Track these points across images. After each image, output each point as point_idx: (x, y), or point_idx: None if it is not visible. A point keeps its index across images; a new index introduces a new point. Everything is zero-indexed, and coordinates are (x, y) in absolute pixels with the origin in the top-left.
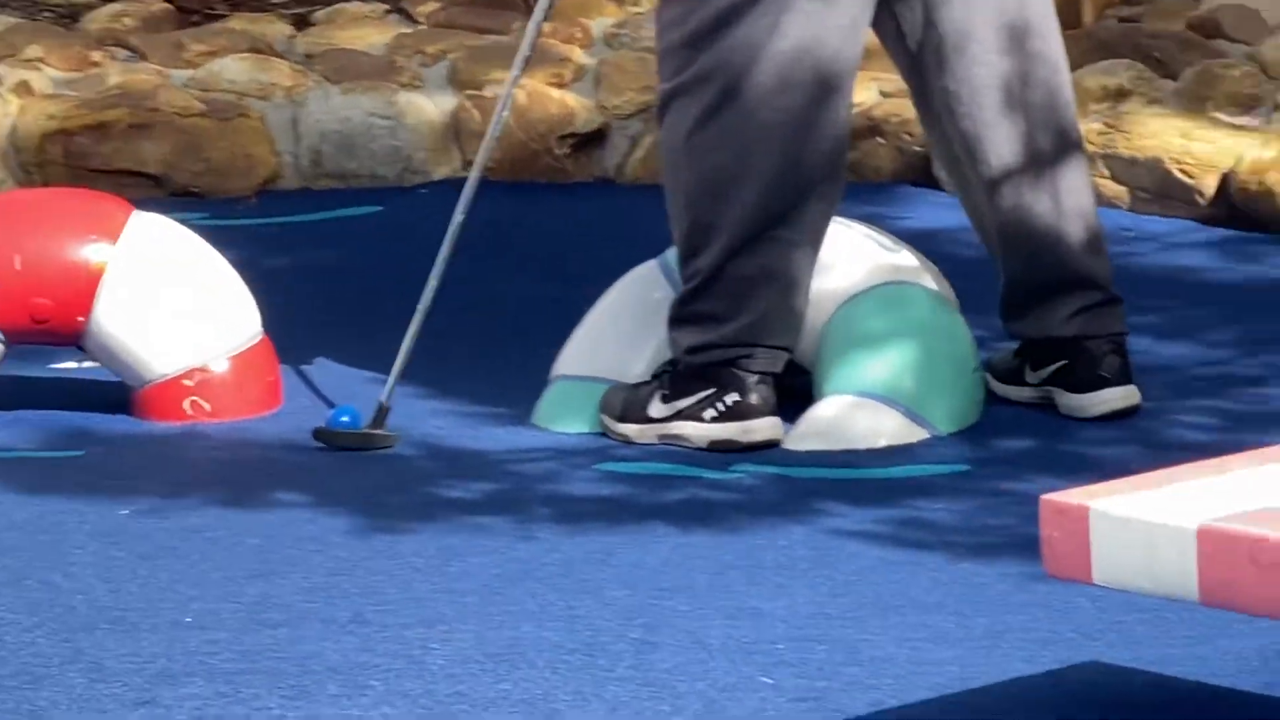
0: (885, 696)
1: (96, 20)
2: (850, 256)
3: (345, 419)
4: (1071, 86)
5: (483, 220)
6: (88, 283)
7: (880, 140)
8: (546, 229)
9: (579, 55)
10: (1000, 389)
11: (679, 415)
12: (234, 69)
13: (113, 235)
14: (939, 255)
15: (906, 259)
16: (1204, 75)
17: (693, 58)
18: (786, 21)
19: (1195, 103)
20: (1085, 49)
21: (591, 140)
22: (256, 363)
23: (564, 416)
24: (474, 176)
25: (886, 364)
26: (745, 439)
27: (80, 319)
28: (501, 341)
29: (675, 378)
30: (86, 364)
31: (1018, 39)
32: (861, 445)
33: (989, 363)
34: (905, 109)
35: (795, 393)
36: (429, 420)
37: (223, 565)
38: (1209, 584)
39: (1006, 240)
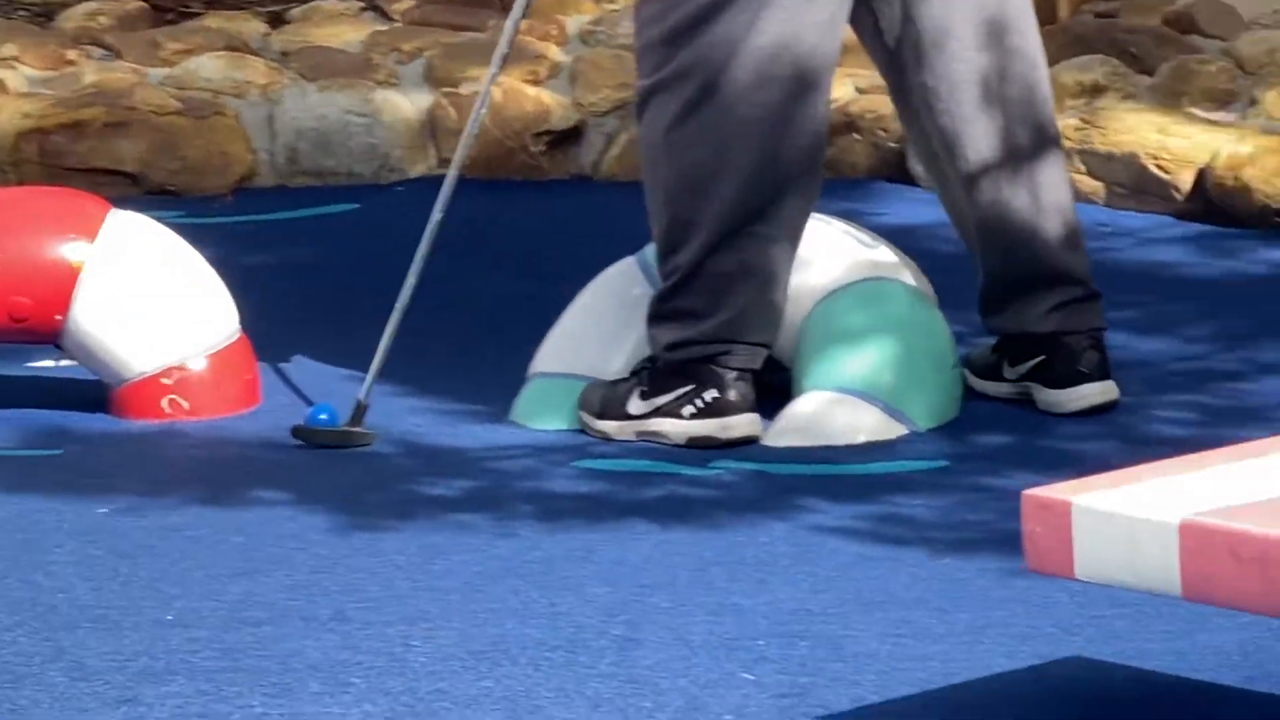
0: (867, 692)
1: (72, 19)
2: (829, 253)
3: (324, 417)
4: (1049, 82)
5: (459, 218)
6: (66, 281)
7: (856, 136)
8: (522, 226)
9: (555, 52)
10: (979, 384)
11: (657, 412)
12: (210, 67)
13: (91, 234)
14: (916, 251)
15: (885, 255)
16: (1180, 71)
17: (672, 54)
18: (765, 18)
19: (1171, 98)
20: (1061, 44)
21: (567, 138)
22: (234, 361)
23: (542, 414)
24: (452, 175)
25: (865, 360)
26: (724, 435)
27: (58, 317)
28: (478, 339)
29: (654, 374)
30: (64, 362)
31: (996, 34)
32: (840, 441)
33: (967, 358)
34: (881, 105)
35: (774, 389)
36: (407, 418)
37: (204, 563)
38: (1191, 578)
39: (985, 236)
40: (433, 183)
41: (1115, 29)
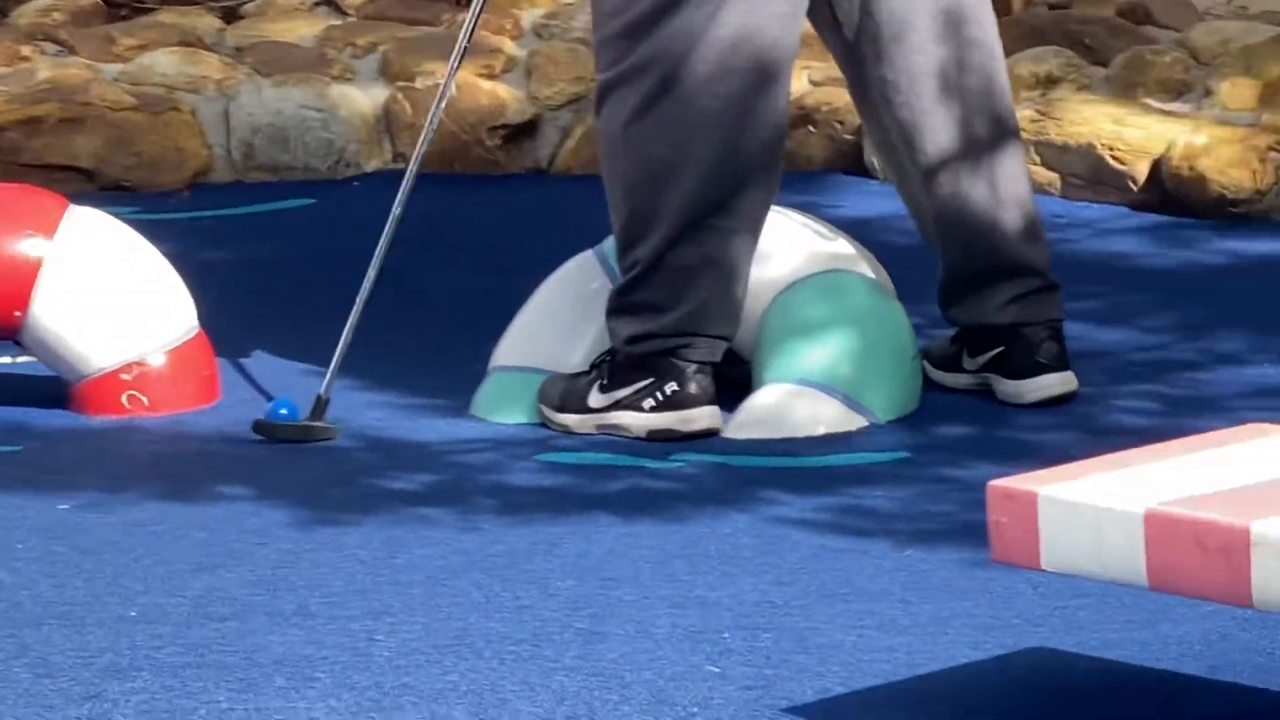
0: (833, 684)
1: (25, 15)
2: (788, 245)
3: (284, 411)
4: (1006, 73)
5: (415, 213)
6: (25, 278)
7: (811, 129)
8: (479, 221)
9: (510, 46)
10: (938, 376)
11: (618, 405)
12: (164, 62)
13: (50, 230)
14: (873, 243)
15: (844, 247)
16: (1134, 61)
17: (631, 48)
18: (726, 10)
19: (1126, 89)
20: (1015, 36)
21: (523, 131)
22: (193, 356)
23: (503, 407)
24: (412, 169)
25: (825, 352)
26: (684, 428)
27: (17, 314)
28: (438, 334)
29: (614, 368)
30: (21, 359)
31: (954, 26)
32: (800, 433)
33: (927, 350)
34: (836, 97)
35: (734, 382)
36: (368, 412)
37: (166, 559)
38: (1157, 568)
39: (944, 228)
40: (388, 177)
41: (1069, 20)
